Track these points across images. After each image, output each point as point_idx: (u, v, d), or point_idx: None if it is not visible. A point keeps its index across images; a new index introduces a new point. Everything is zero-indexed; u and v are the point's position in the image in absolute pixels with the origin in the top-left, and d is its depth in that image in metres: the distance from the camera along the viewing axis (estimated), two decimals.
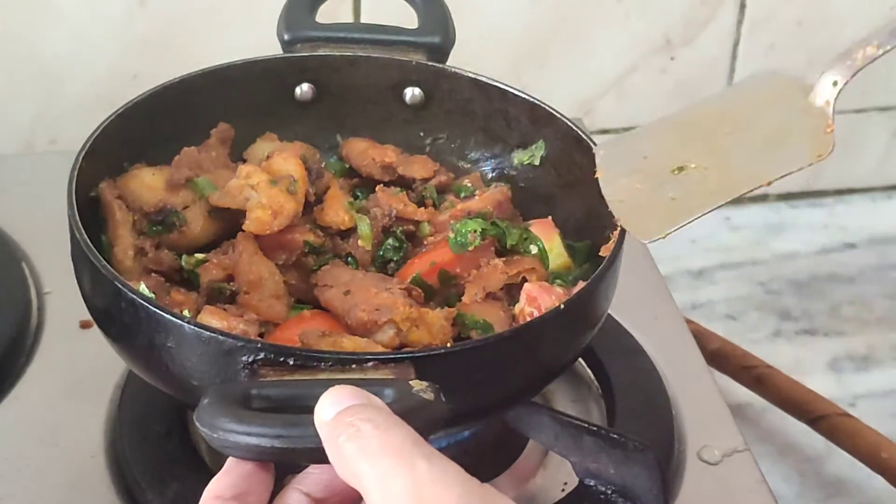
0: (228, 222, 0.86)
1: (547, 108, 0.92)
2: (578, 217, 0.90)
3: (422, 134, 0.97)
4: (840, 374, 1.24)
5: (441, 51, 0.96)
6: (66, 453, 0.87)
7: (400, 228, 0.88)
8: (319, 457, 0.61)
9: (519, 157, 0.95)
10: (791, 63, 1.40)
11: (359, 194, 0.93)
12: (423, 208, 0.90)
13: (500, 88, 0.94)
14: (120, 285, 0.73)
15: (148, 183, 0.87)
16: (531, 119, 0.93)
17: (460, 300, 0.83)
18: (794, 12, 1.37)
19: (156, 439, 0.85)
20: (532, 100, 0.93)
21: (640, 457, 0.81)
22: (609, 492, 0.82)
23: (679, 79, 1.38)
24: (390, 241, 0.88)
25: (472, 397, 0.73)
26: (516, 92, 0.94)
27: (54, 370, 0.94)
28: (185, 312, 0.78)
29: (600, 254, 0.81)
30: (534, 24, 1.31)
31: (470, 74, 0.95)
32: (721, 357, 1.15)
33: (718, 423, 0.93)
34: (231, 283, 0.82)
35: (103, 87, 1.24)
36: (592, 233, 0.88)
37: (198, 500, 0.77)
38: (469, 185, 0.94)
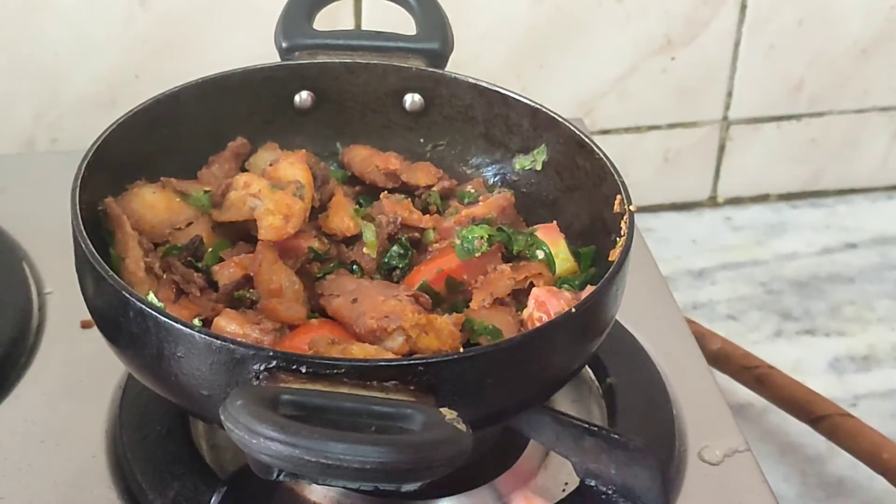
0: (238, 230, 0.86)
1: (548, 112, 0.92)
2: (582, 221, 0.90)
3: (422, 140, 0.97)
4: (841, 374, 1.24)
5: (440, 56, 0.95)
6: (66, 453, 0.87)
7: (405, 235, 0.88)
8: (361, 477, 0.60)
9: (521, 162, 0.95)
10: (791, 63, 1.40)
11: (361, 202, 0.93)
12: (427, 215, 0.90)
13: (501, 93, 0.93)
14: (128, 294, 0.73)
15: (150, 202, 0.86)
16: (533, 124, 0.93)
17: (468, 307, 0.83)
18: (795, 12, 1.37)
19: (156, 439, 0.85)
20: (533, 104, 0.92)
21: (641, 457, 0.81)
22: (610, 492, 0.82)
23: (680, 79, 1.38)
24: (395, 248, 0.88)
25: (483, 403, 0.73)
26: (517, 96, 0.93)
27: (55, 370, 0.94)
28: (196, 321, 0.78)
29: (609, 258, 0.81)
30: (534, 24, 1.31)
31: (470, 80, 0.94)
32: (722, 357, 1.15)
33: (719, 424, 0.93)
34: (250, 291, 0.82)
35: (104, 87, 1.24)
36: (596, 237, 0.88)
37: (198, 500, 0.77)
38: (472, 190, 0.93)
